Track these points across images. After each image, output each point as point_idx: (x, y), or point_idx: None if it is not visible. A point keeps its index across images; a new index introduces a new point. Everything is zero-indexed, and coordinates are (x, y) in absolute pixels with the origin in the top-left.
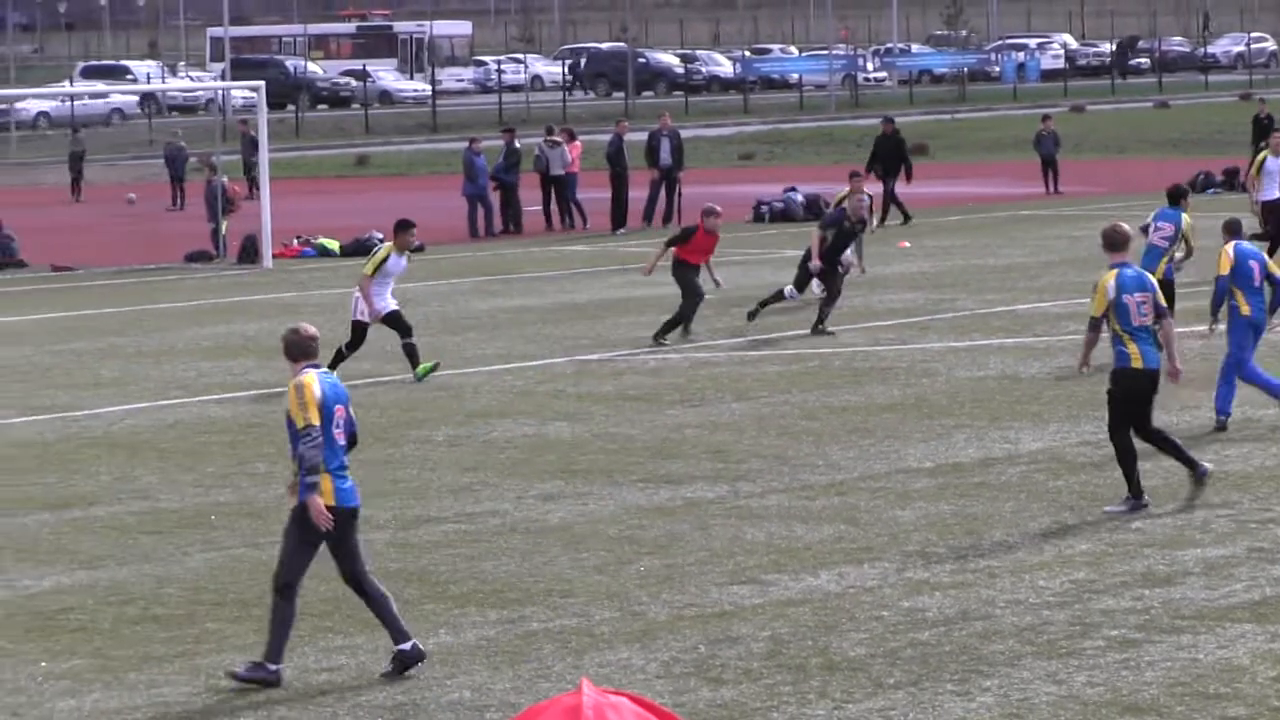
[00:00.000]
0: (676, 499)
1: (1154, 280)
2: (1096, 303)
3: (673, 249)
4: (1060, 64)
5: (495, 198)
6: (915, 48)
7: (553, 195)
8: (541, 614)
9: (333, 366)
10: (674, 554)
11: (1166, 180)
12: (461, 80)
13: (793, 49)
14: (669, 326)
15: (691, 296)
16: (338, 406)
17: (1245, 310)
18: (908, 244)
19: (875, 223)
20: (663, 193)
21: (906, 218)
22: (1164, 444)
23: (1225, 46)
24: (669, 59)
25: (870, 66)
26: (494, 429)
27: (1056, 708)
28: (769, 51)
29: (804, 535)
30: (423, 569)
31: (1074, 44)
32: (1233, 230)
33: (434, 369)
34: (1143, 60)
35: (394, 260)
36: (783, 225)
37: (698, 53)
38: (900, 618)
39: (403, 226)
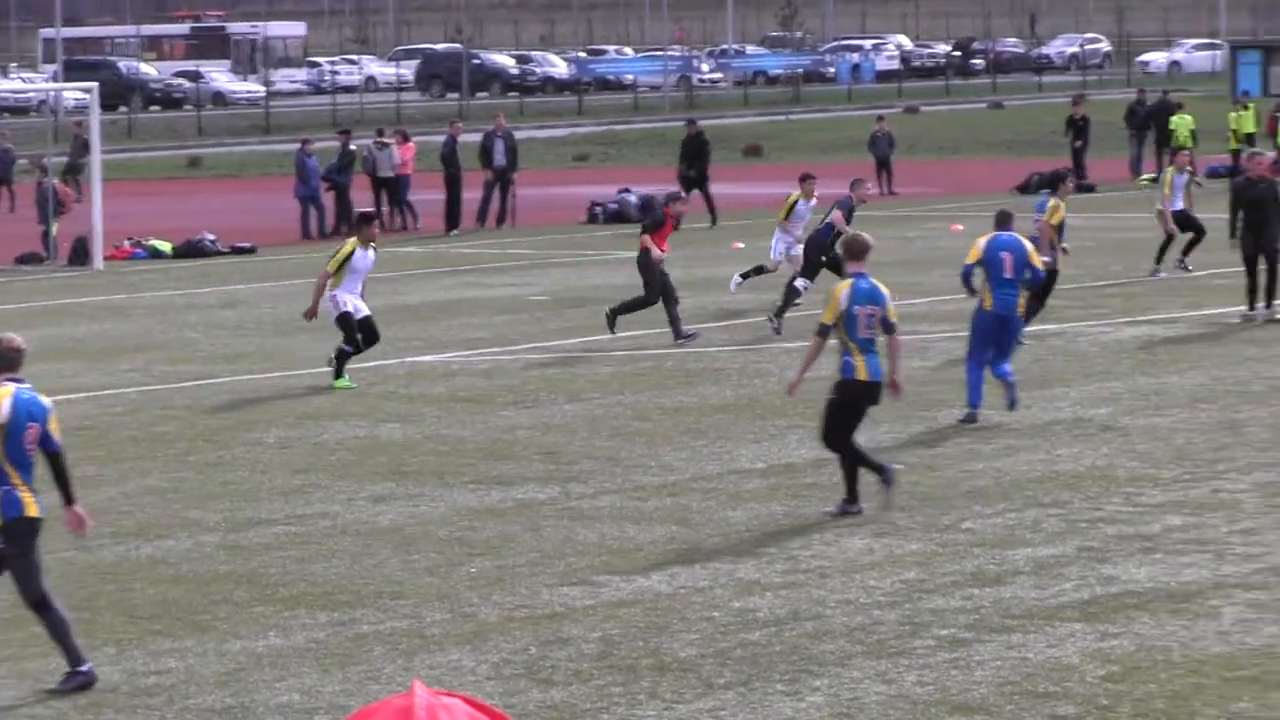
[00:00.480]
0: (508, 500)
1: (886, 294)
2: (828, 311)
3: (647, 235)
4: (895, 65)
5: (328, 199)
6: (750, 49)
7: (385, 197)
8: (372, 616)
9: (337, 372)
10: (505, 555)
11: (1000, 181)
12: (295, 81)
13: (628, 50)
14: (625, 309)
15: (654, 291)
16: (30, 425)
17: (988, 304)
18: (741, 244)
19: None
20: (497, 194)
21: (714, 219)
22: (856, 456)
23: (1059, 48)
24: (504, 60)
25: (705, 68)
26: (325, 431)
27: (886, 707)
28: (604, 53)
29: (636, 536)
30: (252, 571)
31: (909, 45)
32: (1001, 222)
33: (347, 387)
34: (977, 61)
35: (360, 255)
36: (617, 226)
37: (532, 54)
38: (731, 618)
39: (365, 220)
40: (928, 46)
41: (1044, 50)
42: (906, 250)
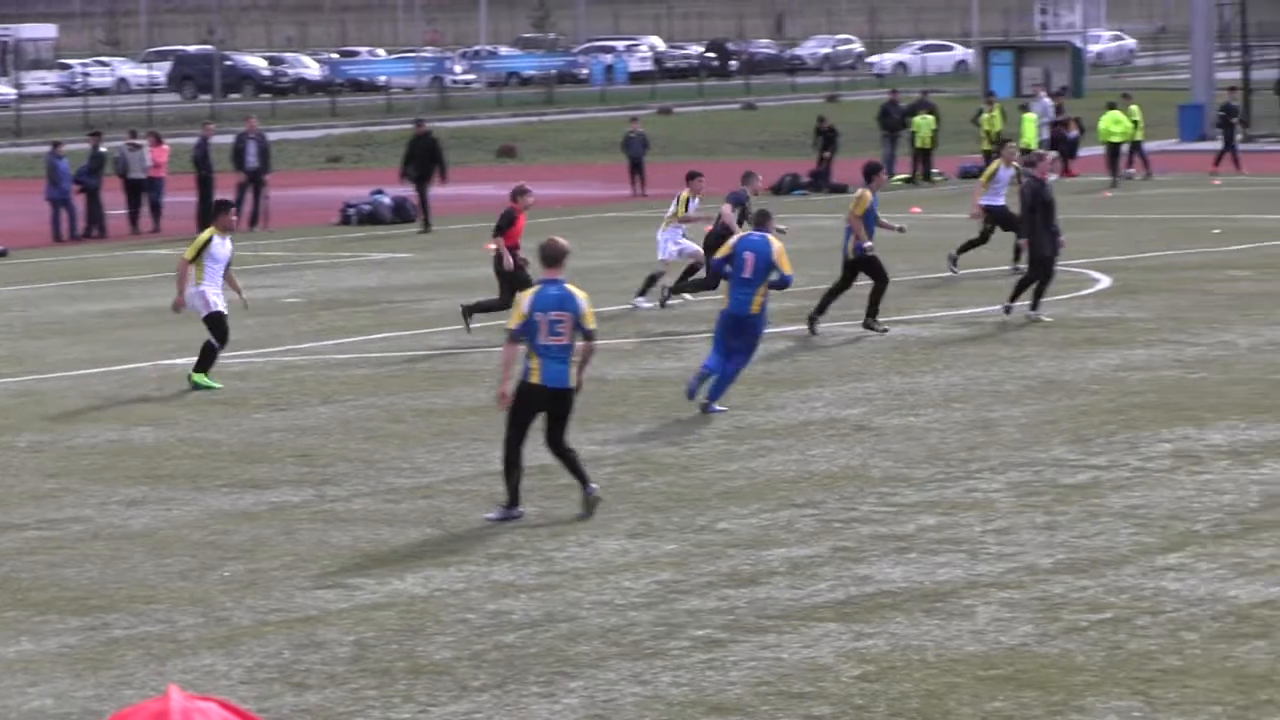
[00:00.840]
0: (262, 504)
1: (582, 300)
2: (512, 317)
3: (500, 237)
4: (648, 66)
5: (80, 201)
6: (503, 50)
7: (139, 198)
8: (124, 620)
9: (199, 368)
10: (259, 559)
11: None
12: (47, 84)
13: (380, 52)
14: (480, 308)
15: (508, 293)
16: None
17: (725, 302)
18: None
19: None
20: (250, 195)
21: (427, 225)
22: (568, 463)
23: (812, 49)
24: (256, 62)
25: (458, 69)
26: (77, 435)
27: (642, 708)
28: (357, 54)
29: (390, 539)
30: (3, 576)
31: (662, 46)
32: (759, 222)
33: (210, 386)
34: (731, 62)
35: (218, 243)
36: (370, 228)
37: (285, 56)
38: (486, 620)
39: (222, 207)
40: (681, 48)
41: (797, 51)
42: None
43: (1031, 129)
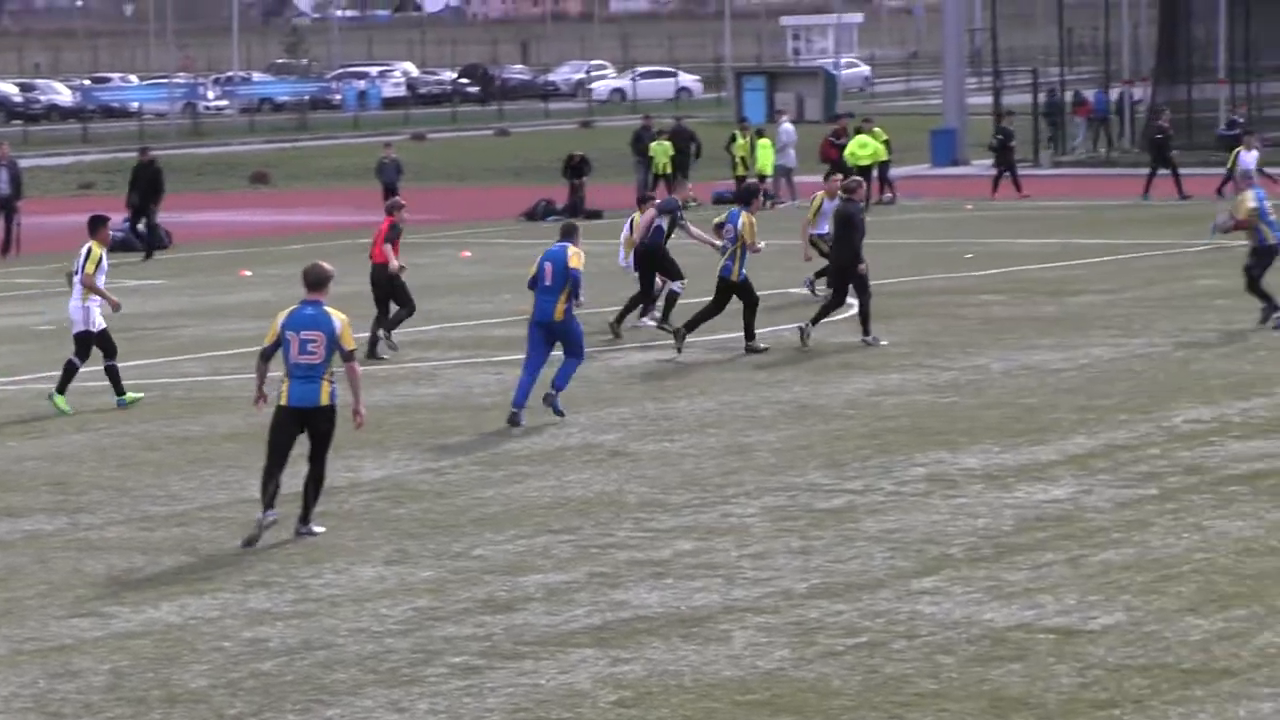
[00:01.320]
0: (15, 532)
1: (338, 321)
2: (268, 335)
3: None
4: (402, 92)
5: None
6: (257, 76)
7: None
8: None
9: (61, 387)
10: (13, 588)
11: (509, 208)
12: None
13: (133, 78)
14: (392, 323)
15: (410, 301)
16: None
17: (531, 312)
18: (249, 272)
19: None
20: (1, 222)
21: (150, 252)
22: (306, 490)
23: (565, 75)
24: (7, 88)
25: (211, 95)
26: None
27: None
28: (109, 80)
29: (145, 567)
30: None
31: (415, 72)
32: (564, 233)
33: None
34: (497, 82)
35: (104, 258)
36: (122, 255)
37: (36, 82)
38: (242, 648)
39: (102, 222)
40: (434, 73)
41: (550, 77)
42: (417, 277)
43: (767, 155)
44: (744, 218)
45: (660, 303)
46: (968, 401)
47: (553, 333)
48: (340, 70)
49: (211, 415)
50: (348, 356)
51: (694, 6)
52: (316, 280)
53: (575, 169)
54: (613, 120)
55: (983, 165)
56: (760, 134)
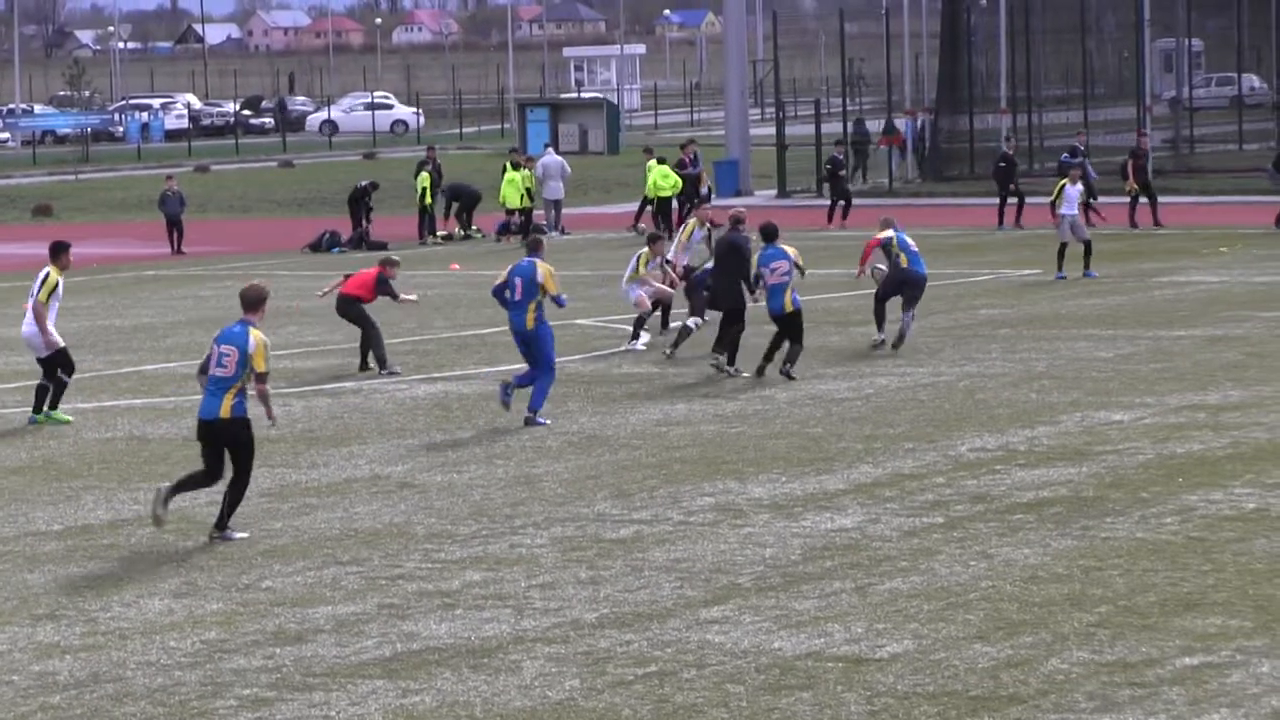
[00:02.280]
0: None
1: (254, 341)
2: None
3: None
4: (184, 124)
5: None
6: (39, 108)
7: None
8: None
9: (53, 403)
10: None
11: (293, 239)
12: None
13: None
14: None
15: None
16: None
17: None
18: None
19: None
20: None
21: None
22: (226, 495)
23: (348, 106)
24: None
25: None
26: None
27: None
28: None
29: None
30: None
31: (198, 104)
32: (530, 248)
33: (65, 421)
34: (267, 120)
35: (61, 283)
36: None
37: None
38: (31, 681)
39: (63, 248)
40: (217, 105)
41: (335, 109)
42: (200, 309)
43: (513, 190)
44: (792, 250)
45: (660, 333)
46: (754, 431)
47: (526, 340)
48: (123, 102)
49: None
50: (259, 378)
51: (477, 38)
52: (252, 300)
53: (357, 199)
54: (396, 151)
55: (765, 195)
56: (515, 165)
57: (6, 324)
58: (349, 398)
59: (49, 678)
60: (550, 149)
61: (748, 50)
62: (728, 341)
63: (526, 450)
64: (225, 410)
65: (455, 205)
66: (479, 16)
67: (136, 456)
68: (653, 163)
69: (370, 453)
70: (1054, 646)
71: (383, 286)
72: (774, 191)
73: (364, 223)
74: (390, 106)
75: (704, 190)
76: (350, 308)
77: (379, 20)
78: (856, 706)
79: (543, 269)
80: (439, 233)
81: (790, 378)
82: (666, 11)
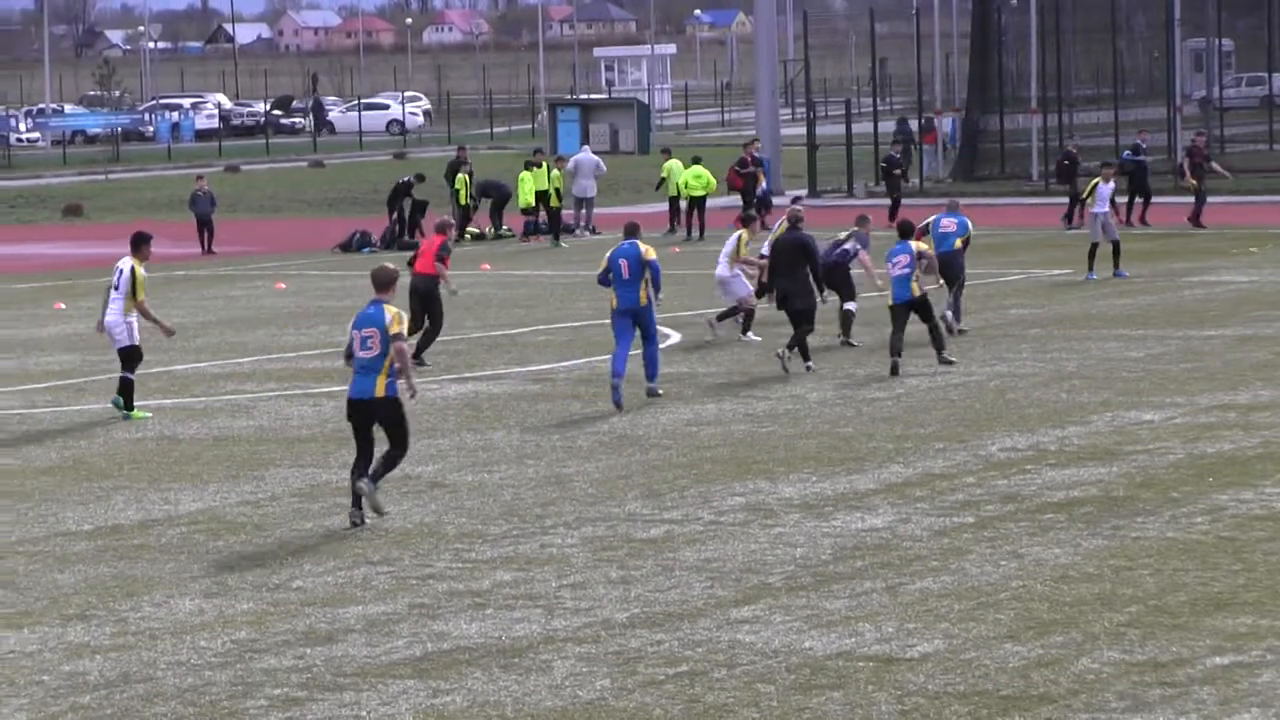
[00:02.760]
0: None
1: (389, 315)
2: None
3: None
4: (215, 124)
5: None
6: (69, 108)
7: None
8: None
9: (128, 401)
10: None
11: (323, 239)
12: None
13: None
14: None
15: (440, 319)
16: None
17: (614, 302)
18: (63, 305)
19: None
20: None
21: None
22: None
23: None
24: None
25: (23, 127)
26: None
27: None
28: None
29: None
30: None
31: (228, 104)
32: (628, 232)
33: (145, 417)
34: (298, 120)
35: (144, 274)
36: None
37: None
38: (61, 681)
39: (145, 239)
40: (247, 105)
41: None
42: (230, 309)
43: (524, 191)
44: (917, 245)
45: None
46: (785, 431)
47: (636, 318)
48: (153, 102)
49: (27, 448)
50: (395, 338)
51: (508, 38)
52: (384, 281)
53: (398, 195)
54: (427, 151)
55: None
56: (528, 166)
57: (38, 324)
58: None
59: (79, 678)
60: (587, 147)
61: (778, 50)
62: (797, 340)
63: (557, 450)
64: (380, 390)
65: (489, 203)
66: (510, 16)
67: (167, 457)
68: (674, 163)
69: None
70: (1084, 646)
71: (444, 251)
72: (805, 191)
73: (404, 220)
74: (386, 107)
75: (761, 189)
76: (428, 284)
77: (409, 20)
78: (887, 706)
79: (644, 247)
80: (470, 230)
81: (950, 362)
82: (697, 11)
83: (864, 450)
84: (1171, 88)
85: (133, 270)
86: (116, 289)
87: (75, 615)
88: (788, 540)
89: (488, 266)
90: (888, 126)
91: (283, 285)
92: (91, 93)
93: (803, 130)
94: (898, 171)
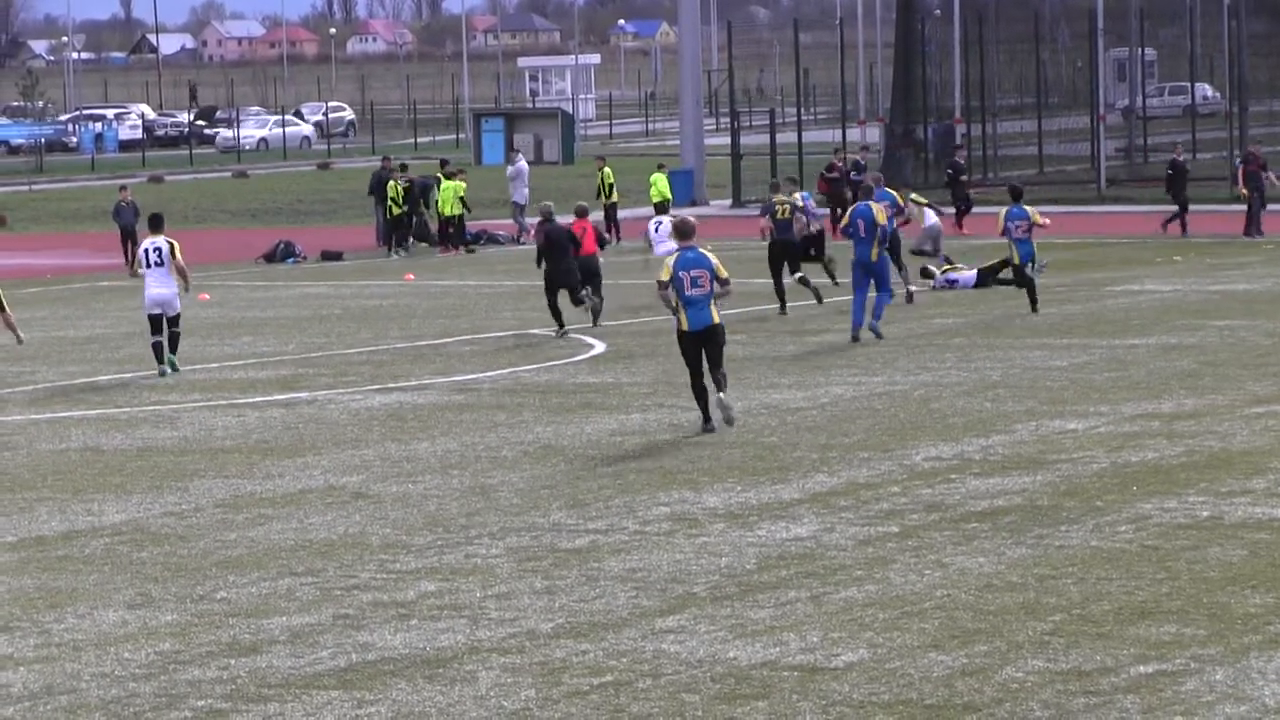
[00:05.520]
0: None
1: (714, 260)
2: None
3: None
4: (139, 134)
5: None
6: None
7: None
8: None
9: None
10: None
11: (247, 250)
12: None
13: None
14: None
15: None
16: None
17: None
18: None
19: None
20: None
21: None
22: (715, 380)
23: (309, 115)
24: None
25: None
26: None
27: None
28: None
29: None
30: None
31: (152, 114)
32: (864, 194)
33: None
34: (222, 130)
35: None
36: None
37: None
38: None
39: (163, 219)
40: (171, 115)
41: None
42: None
43: (449, 197)
44: (1032, 211)
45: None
46: (709, 441)
47: (869, 270)
48: (76, 112)
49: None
50: (724, 283)
51: (432, 48)
52: (687, 231)
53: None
54: (350, 162)
55: (720, 205)
56: (450, 175)
57: None
58: (303, 408)
59: (2, 690)
60: (521, 154)
61: (702, 60)
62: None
63: (482, 460)
64: (716, 317)
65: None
66: (434, 26)
67: (91, 468)
68: (661, 175)
69: (325, 463)
70: (1009, 655)
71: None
72: (729, 201)
73: (421, 213)
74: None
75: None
76: (595, 262)
77: (333, 30)
78: (812, 715)
79: (876, 208)
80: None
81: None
82: (621, 21)
83: (788, 460)
84: (1095, 97)
85: (170, 245)
86: (160, 264)
87: None
88: (712, 550)
89: (411, 277)
90: (811, 136)
91: (206, 296)
92: (14, 103)
93: (727, 140)
94: (964, 177)
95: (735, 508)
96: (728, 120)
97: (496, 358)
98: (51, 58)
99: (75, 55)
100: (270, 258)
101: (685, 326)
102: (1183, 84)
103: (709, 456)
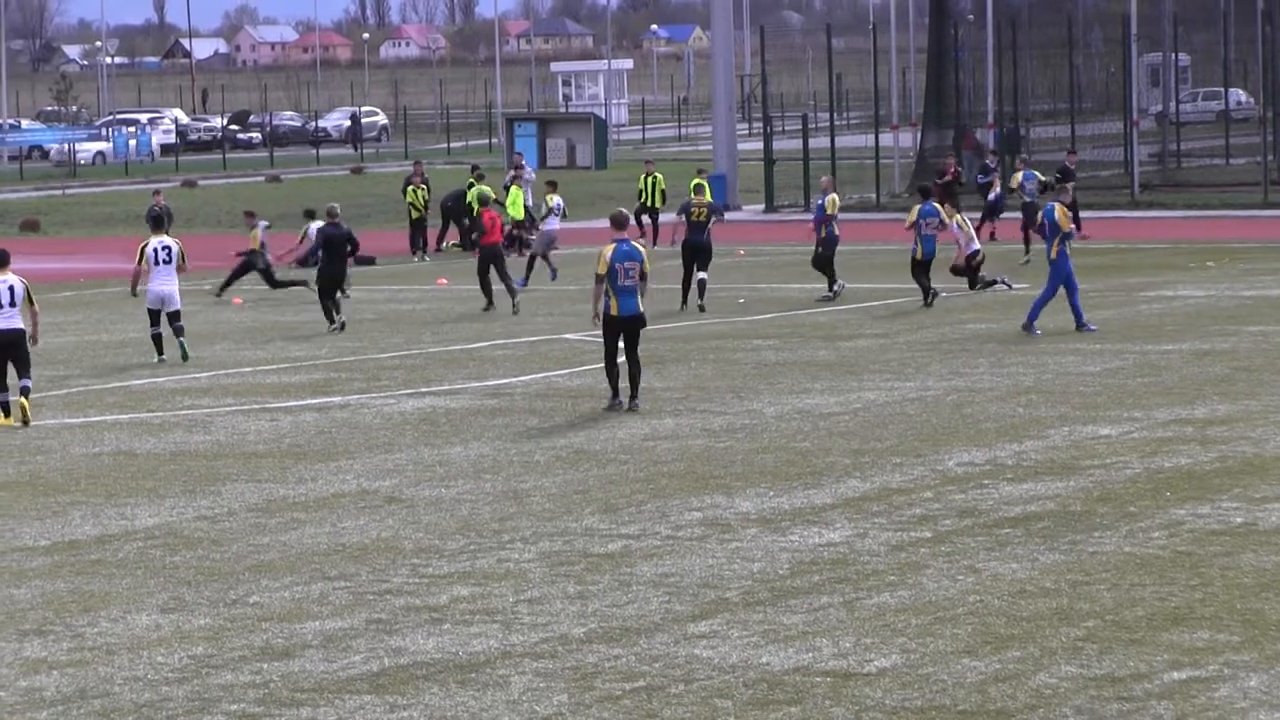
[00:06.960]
0: None
1: (644, 253)
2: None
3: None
4: (172, 139)
5: None
6: (25, 123)
7: None
8: None
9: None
10: None
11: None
12: None
13: None
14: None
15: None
16: None
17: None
18: None
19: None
20: None
21: None
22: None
23: (336, 121)
24: None
25: None
26: None
27: None
28: None
29: None
30: None
31: (185, 119)
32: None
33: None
34: (255, 135)
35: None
36: None
37: None
38: (18, 698)
39: (163, 221)
40: (204, 120)
41: (321, 124)
42: (187, 323)
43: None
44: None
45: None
46: (742, 446)
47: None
48: (110, 117)
49: None
50: (644, 277)
51: (465, 53)
52: (621, 221)
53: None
54: (383, 166)
55: (753, 210)
56: (515, 181)
57: None
58: (336, 413)
59: (36, 694)
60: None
61: (735, 65)
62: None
63: (514, 465)
64: (641, 307)
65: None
66: (466, 31)
67: (124, 472)
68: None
69: (358, 467)
70: (1041, 661)
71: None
72: (761, 206)
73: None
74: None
75: (994, 195)
76: (497, 250)
77: (366, 35)
78: None
79: (1058, 209)
80: (450, 243)
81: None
82: (654, 26)
83: (821, 465)
84: (1128, 102)
85: (177, 246)
86: (169, 262)
87: (32, 631)
88: (745, 555)
89: (444, 281)
90: (844, 141)
91: (239, 300)
92: (49, 108)
93: (759, 145)
94: (1069, 184)
95: (768, 512)
96: (760, 125)
97: (529, 362)
98: (85, 63)
99: (109, 60)
100: (304, 262)
101: (615, 312)
102: (1216, 89)
103: (741, 461)
